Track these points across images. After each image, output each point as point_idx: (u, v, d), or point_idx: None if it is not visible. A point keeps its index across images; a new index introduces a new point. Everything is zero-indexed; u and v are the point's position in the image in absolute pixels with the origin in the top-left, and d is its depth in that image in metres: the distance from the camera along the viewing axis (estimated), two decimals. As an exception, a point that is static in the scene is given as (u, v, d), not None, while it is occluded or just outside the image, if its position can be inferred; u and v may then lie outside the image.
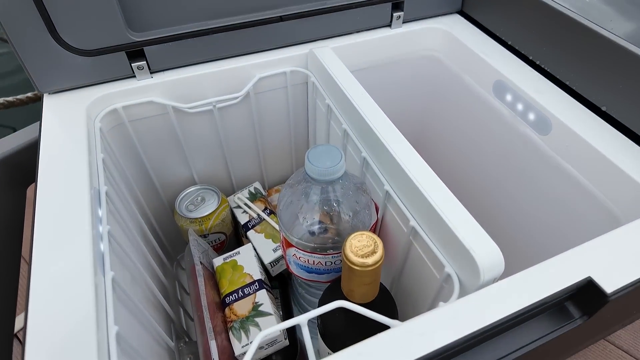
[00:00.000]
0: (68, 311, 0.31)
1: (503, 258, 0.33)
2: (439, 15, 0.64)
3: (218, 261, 0.58)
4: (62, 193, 0.39)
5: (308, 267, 0.45)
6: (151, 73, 0.51)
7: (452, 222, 0.35)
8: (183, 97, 0.54)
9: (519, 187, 0.55)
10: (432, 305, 0.41)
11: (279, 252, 0.58)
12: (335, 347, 0.42)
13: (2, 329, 0.40)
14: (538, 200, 0.52)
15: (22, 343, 0.30)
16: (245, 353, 0.49)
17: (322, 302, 0.44)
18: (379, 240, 0.35)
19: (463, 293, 0.35)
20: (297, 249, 0.44)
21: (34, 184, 0.41)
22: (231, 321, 0.51)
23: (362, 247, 0.34)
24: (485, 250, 0.33)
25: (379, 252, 0.34)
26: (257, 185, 0.67)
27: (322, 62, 0.53)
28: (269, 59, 0.55)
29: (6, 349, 0.36)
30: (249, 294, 0.53)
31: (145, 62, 0.50)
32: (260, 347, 0.49)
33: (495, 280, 0.34)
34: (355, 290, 0.37)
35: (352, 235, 0.35)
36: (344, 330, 0.41)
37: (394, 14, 0.60)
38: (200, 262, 0.55)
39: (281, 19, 0.54)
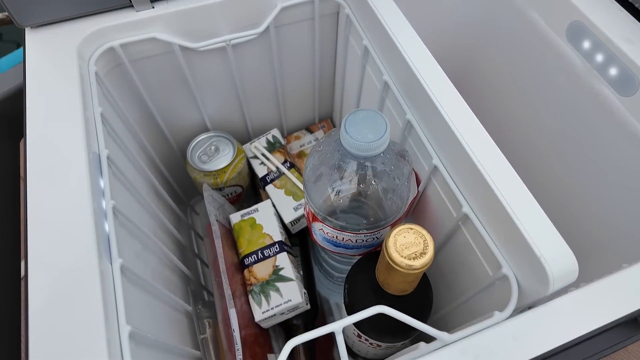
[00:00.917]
0: (73, 309, 0.27)
1: (577, 265, 0.28)
2: None
3: (235, 217, 0.53)
4: (55, 163, 0.33)
5: (336, 242, 0.41)
6: (152, 1, 0.42)
7: (519, 217, 0.29)
8: (191, 33, 0.45)
9: (583, 158, 0.48)
10: (476, 301, 0.36)
11: (300, 211, 0.54)
12: (362, 327, 0.39)
13: (6, 291, 0.37)
14: (607, 177, 0.45)
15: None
16: (265, 318, 0.47)
17: (350, 281, 0.40)
18: (429, 238, 0.29)
19: (522, 299, 0.30)
20: (324, 225, 0.39)
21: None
22: (251, 284, 0.48)
23: (408, 246, 0.29)
24: (558, 257, 0.28)
25: (429, 253, 0.29)
26: (276, 132, 0.60)
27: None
28: (294, -16, 0.45)
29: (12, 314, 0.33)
30: (269, 256, 0.50)
31: (143, -12, 0.40)
32: (281, 313, 0.47)
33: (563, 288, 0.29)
34: (394, 285, 0.32)
35: (397, 230, 0.30)
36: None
37: None
38: (217, 219, 0.51)
39: None
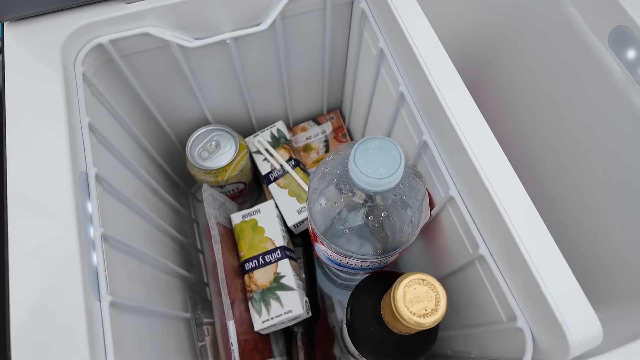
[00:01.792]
0: (55, 356, 0.26)
1: (601, 330, 0.26)
2: None
3: (236, 218, 0.51)
4: (36, 186, 0.30)
5: (340, 263, 0.38)
6: (143, -7, 0.38)
7: (541, 273, 0.26)
8: (188, 26, 0.40)
9: (611, 176, 0.44)
10: (485, 335, 0.35)
11: (304, 214, 0.51)
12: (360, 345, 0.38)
13: None
14: (636, 201, 0.42)
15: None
16: (265, 328, 0.46)
17: (353, 304, 0.39)
18: (441, 292, 0.27)
19: (537, 354, 0.28)
20: (327, 248, 0.37)
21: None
22: (251, 291, 0.47)
23: (418, 299, 0.27)
24: (581, 322, 0.25)
25: (440, 310, 0.26)
26: (281, 125, 0.56)
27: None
28: (303, -28, 0.40)
29: None
30: (270, 263, 0.48)
31: (133, -22, 0.36)
32: (281, 323, 0.46)
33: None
34: (398, 328, 0.30)
35: (408, 281, 0.27)
36: (378, 340, 0.36)
37: None
38: (217, 222, 0.49)
39: None
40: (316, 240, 0.38)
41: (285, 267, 0.47)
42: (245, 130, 0.58)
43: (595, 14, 0.41)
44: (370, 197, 0.31)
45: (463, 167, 0.31)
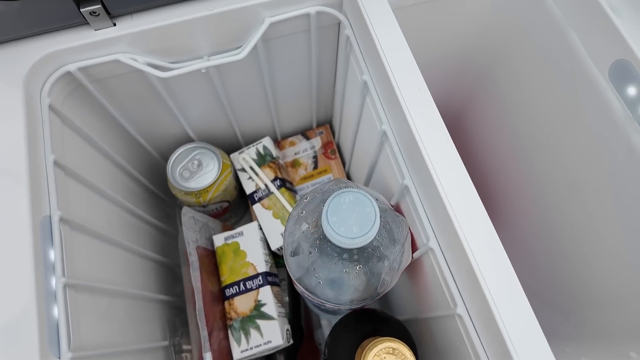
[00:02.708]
0: None
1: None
2: None
3: (219, 240, 0.50)
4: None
5: (318, 304, 0.37)
6: (112, 18, 0.35)
7: (515, 345, 0.25)
8: (164, 51, 0.38)
9: (608, 217, 0.42)
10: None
11: (289, 238, 0.50)
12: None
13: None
14: (631, 242, 0.40)
15: None
16: (244, 358, 0.45)
17: (330, 345, 0.38)
18: (412, 363, 0.26)
19: None
20: (305, 291, 0.35)
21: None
22: (231, 318, 0.46)
23: (387, 371, 0.25)
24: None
25: (410, 384, 0.25)
26: (267, 142, 0.54)
27: (361, 6, 0.35)
28: (284, -5, 0.37)
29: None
30: (251, 289, 0.47)
31: (100, 4, 0.33)
32: (260, 353, 0.45)
33: None
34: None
35: (378, 349, 0.26)
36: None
37: None
38: (197, 245, 0.48)
39: None
40: (293, 281, 0.37)
41: (266, 295, 0.46)
42: (231, 145, 0.56)
43: (597, 44, 0.38)
44: (345, 250, 0.30)
45: (443, 221, 0.29)
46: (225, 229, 0.56)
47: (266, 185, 0.52)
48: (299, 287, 0.37)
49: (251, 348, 0.45)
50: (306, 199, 0.34)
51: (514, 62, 0.50)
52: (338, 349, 0.37)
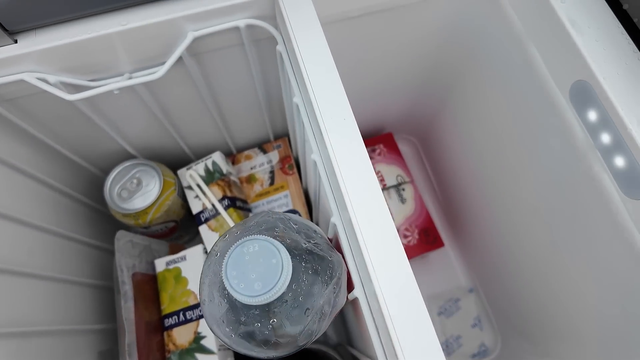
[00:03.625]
0: None
1: None
2: None
3: (160, 265, 0.47)
4: None
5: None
6: (12, 35, 0.32)
7: None
8: (80, 68, 0.35)
9: (573, 247, 0.39)
10: None
11: (235, 262, 0.47)
12: None
13: None
14: (594, 272, 0.37)
15: None
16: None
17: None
18: None
19: None
20: (228, 336, 0.32)
21: None
22: (169, 351, 0.43)
23: None
24: None
25: None
26: (217, 157, 0.51)
27: (286, 21, 0.31)
28: (210, 7, 0.33)
29: None
30: (191, 320, 0.44)
31: (-7, 20, 0.30)
32: (200, 386, 0.43)
33: None
34: None
35: None
36: None
37: None
38: (134, 272, 0.45)
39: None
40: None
41: (207, 326, 0.44)
42: (180, 160, 0.53)
43: (557, 61, 0.35)
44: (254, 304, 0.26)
45: (363, 269, 0.26)
46: (174, 249, 0.53)
47: (213, 205, 0.49)
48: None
49: (188, 383, 0.42)
50: (225, 237, 0.30)
51: (477, 77, 0.47)
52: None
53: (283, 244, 0.27)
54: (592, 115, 0.32)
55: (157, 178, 0.47)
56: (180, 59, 0.36)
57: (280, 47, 0.34)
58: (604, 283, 0.37)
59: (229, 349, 0.46)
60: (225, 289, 0.27)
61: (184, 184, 0.50)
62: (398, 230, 0.58)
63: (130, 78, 0.36)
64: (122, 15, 0.33)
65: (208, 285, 0.30)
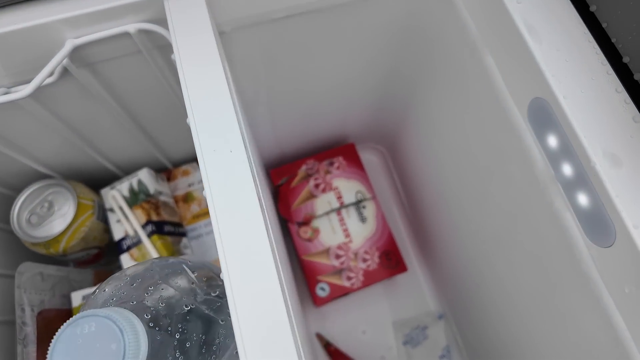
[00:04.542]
0: None
1: None
2: None
3: (76, 299, 0.42)
4: None
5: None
6: None
7: None
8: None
9: (534, 280, 0.33)
10: None
11: (158, 297, 0.41)
12: None
13: None
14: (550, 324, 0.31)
15: None
16: None
17: None
18: None
19: None
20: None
21: None
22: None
23: None
24: None
25: None
26: (144, 175, 0.45)
27: (170, 26, 0.26)
28: (91, 9, 0.28)
29: None
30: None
31: None
32: None
33: None
34: None
35: None
36: None
37: None
38: (43, 308, 0.39)
39: None
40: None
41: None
42: (106, 178, 0.47)
43: (514, 74, 0.29)
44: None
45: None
46: (101, 278, 0.47)
47: (136, 231, 0.43)
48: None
49: None
50: (86, 301, 0.25)
51: (435, 86, 0.41)
52: None
53: (148, 314, 0.22)
54: (552, 141, 0.27)
55: (72, 201, 0.41)
56: (65, 70, 0.30)
57: (174, 57, 0.28)
58: (569, 335, 0.31)
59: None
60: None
61: (107, 205, 0.45)
62: (357, 253, 0.52)
63: (6, 93, 0.30)
64: (-14, 18, 0.27)
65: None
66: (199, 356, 0.23)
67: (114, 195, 0.44)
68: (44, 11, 0.28)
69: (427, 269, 0.58)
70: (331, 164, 0.56)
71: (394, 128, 0.56)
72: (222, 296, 0.26)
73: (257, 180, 0.23)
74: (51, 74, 0.29)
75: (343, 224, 0.53)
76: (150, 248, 0.42)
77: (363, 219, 0.54)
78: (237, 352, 0.25)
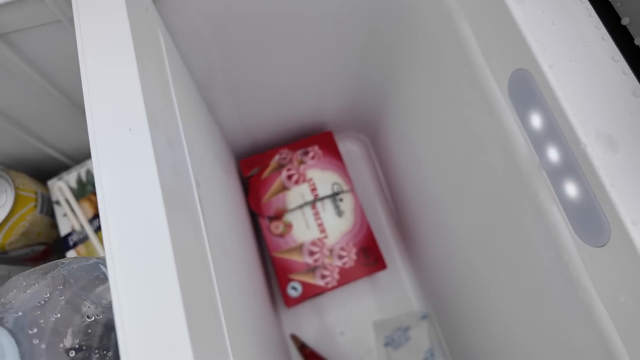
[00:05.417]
0: None
1: None
2: None
3: (15, 300, 0.38)
4: None
5: None
6: None
7: None
8: None
9: (519, 283, 0.29)
10: None
11: (105, 299, 0.37)
12: None
13: None
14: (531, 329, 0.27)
15: None
16: None
17: None
18: None
19: None
20: None
21: None
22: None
23: None
24: None
25: None
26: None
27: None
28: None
29: None
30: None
31: None
32: None
33: None
34: None
35: None
36: None
37: None
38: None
39: None
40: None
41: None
42: (54, 168, 0.43)
43: (492, 43, 0.24)
44: None
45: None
46: (49, 276, 0.43)
47: (82, 225, 0.39)
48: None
49: None
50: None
51: (410, 65, 0.36)
52: None
53: (34, 329, 0.18)
54: (536, 121, 0.22)
55: (9, 192, 0.37)
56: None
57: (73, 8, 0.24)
58: (557, 347, 0.27)
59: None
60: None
61: (54, 198, 0.41)
62: (332, 250, 0.48)
63: None
64: None
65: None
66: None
67: (60, 187, 0.40)
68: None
69: (410, 266, 0.54)
70: (305, 153, 0.51)
71: (375, 115, 0.51)
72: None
73: (177, 168, 0.19)
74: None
75: (318, 218, 0.49)
76: (98, 245, 0.38)
77: (340, 213, 0.50)
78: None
